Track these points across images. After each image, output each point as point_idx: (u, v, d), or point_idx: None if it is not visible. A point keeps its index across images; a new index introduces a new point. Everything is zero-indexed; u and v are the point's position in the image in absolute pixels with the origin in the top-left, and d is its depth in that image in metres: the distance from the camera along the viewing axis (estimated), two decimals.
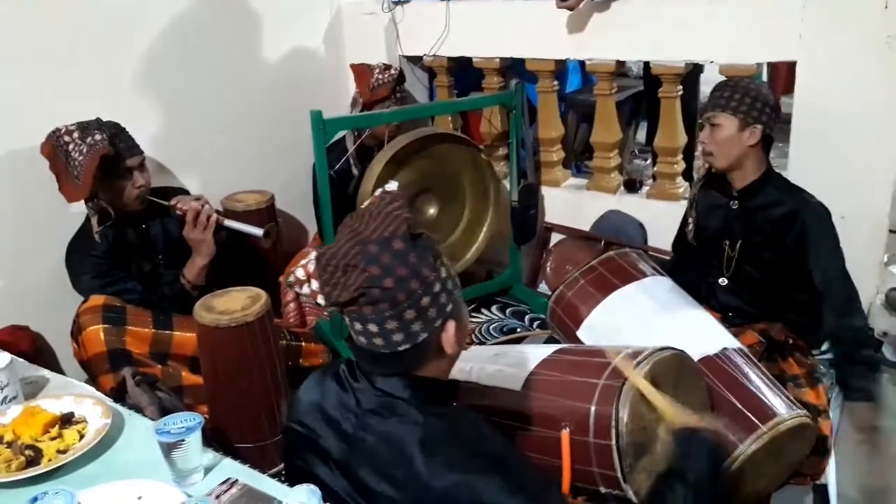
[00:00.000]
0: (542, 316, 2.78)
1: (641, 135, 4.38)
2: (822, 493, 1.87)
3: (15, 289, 2.29)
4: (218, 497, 1.20)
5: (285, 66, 3.10)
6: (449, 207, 2.87)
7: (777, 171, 2.16)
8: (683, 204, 2.53)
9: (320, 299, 1.14)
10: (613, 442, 1.47)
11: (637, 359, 1.55)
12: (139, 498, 1.21)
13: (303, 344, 2.42)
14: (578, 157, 4.06)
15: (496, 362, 1.78)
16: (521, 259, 3.08)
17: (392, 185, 1.20)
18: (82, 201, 2.15)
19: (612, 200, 3.03)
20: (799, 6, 2.32)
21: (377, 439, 1.13)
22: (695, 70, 3.03)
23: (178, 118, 2.69)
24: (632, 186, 3.06)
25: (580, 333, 2.08)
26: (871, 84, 2.26)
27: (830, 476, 1.87)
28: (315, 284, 1.14)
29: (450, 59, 3.19)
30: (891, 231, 2.45)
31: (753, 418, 1.67)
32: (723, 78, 2.30)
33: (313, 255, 1.16)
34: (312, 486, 1.10)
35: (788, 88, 2.59)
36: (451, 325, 1.14)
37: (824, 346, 2.19)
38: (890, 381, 2.44)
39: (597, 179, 3.10)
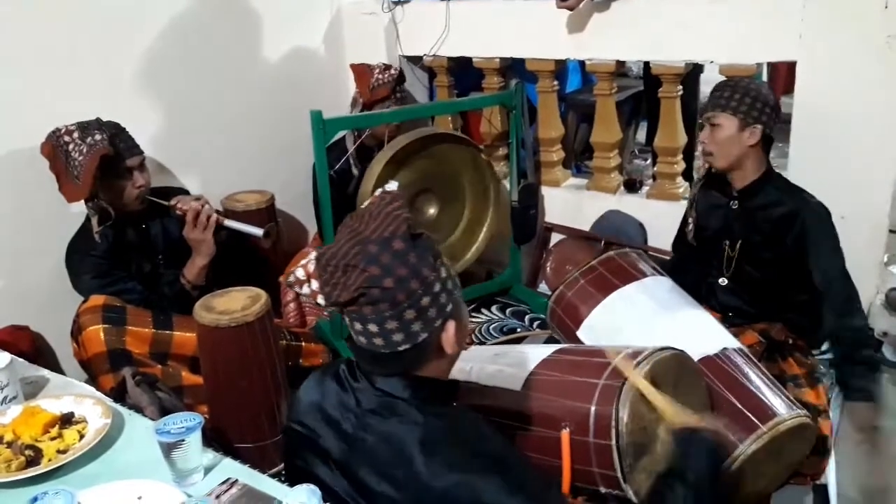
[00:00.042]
0: (542, 316, 2.78)
1: (641, 135, 4.38)
2: (822, 493, 1.87)
3: (15, 289, 2.29)
4: (218, 497, 1.20)
5: (285, 66, 3.10)
6: (449, 207, 2.87)
7: (777, 171, 2.16)
8: (683, 204, 2.53)
9: (320, 299, 1.14)
10: (613, 442, 1.47)
11: (637, 359, 1.55)
12: (139, 498, 1.21)
13: (303, 344, 2.42)
14: (578, 157, 4.06)
15: (496, 362, 1.78)
16: (521, 259, 3.08)
17: (392, 185, 1.20)
18: (82, 201, 2.15)
19: (612, 200, 3.03)
20: (799, 6, 2.32)
21: (377, 439, 1.13)
22: (695, 70, 3.03)
23: (178, 118, 2.69)
24: (632, 186, 3.06)
25: (580, 333, 2.08)
26: (871, 84, 2.26)
27: (830, 476, 1.87)
28: (315, 284, 1.14)
29: (450, 59, 3.19)
30: (891, 231, 2.45)
31: (753, 418, 1.67)
32: (723, 78, 2.30)
33: (313, 255, 1.16)
34: (312, 486, 1.10)
35: (788, 88, 2.59)
36: (451, 325, 1.14)
37: (824, 347, 2.19)
38: (890, 381, 2.44)
39: (597, 179, 3.10)
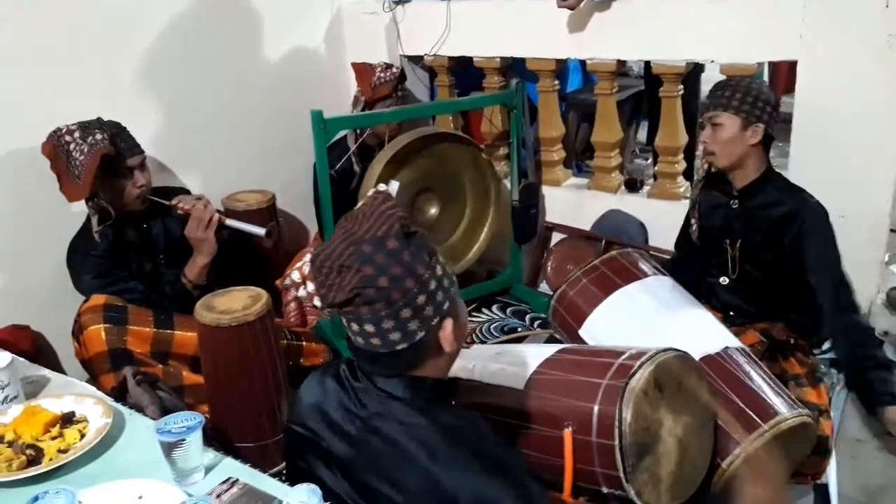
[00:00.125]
0: (543, 315, 2.79)
1: (642, 134, 4.38)
2: (822, 493, 1.87)
3: (16, 288, 2.29)
4: (219, 496, 1.20)
5: (286, 66, 3.10)
6: (450, 207, 2.87)
7: (777, 170, 2.16)
8: (684, 203, 2.53)
9: (317, 301, 1.14)
10: (616, 442, 1.47)
11: (640, 360, 1.55)
12: (140, 497, 1.21)
13: (304, 343, 2.42)
14: (579, 157, 4.06)
15: (499, 361, 1.78)
16: (522, 258, 3.08)
17: (394, 185, 1.20)
18: (83, 201, 2.15)
19: (613, 200, 3.03)
20: (799, 6, 2.32)
21: (379, 441, 1.13)
22: (695, 69, 3.03)
23: (178, 118, 2.69)
24: (633, 186, 3.06)
25: (582, 332, 2.08)
26: (871, 83, 2.26)
27: (831, 476, 1.87)
28: (311, 286, 1.14)
29: (450, 58, 3.19)
30: (891, 230, 2.45)
31: (755, 416, 1.66)
32: (723, 77, 2.30)
33: (308, 257, 1.16)
34: (313, 486, 1.10)
35: (789, 88, 2.59)
36: (448, 323, 1.14)
37: (825, 346, 2.19)
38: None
39: (598, 179, 3.10)
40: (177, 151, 2.70)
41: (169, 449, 1.23)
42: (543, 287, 3.14)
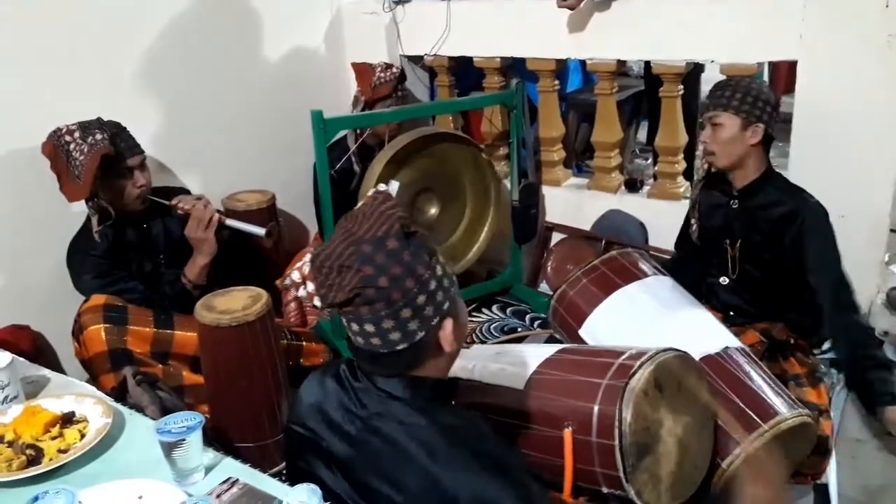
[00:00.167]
0: (543, 315, 2.78)
1: (642, 134, 4.38)
2: (822, 493, 1.87)
3: (16, 288, 2.29)
4: (218, 496, 1.20)
5: (286, 66, 3.10)
6: (450, 207, 2.87)
7: (777, 170, 2.16)
8: (684, 203, 2.53)
9: (317, 301, 1.14)
10: (616, 442, 1.46)
11: (640, 360, 1.55)
12: (140, 497, 1.21)
13: (304, 343, 2.42)
14: (579, 157, 4.06)
15: (499, 361, 1.78)
16: (522, 258, 3.08)
17: (394, 185, 1.20)
18: (83, 201, 2.15)
19: (613, 200, 3.03)
20: (799, 6, 2.32)
21: (379, 441, 1.13)
22: (695, 69, 3.03)
23: (178, 118, 2.69)
24: (633, 186, 3.06)
25: (582, 332, 2.08)
26: (871, 83, 2.26)
27: (831, 476, 1.87)
28: (311, 286, 1.14)
29: (450, 58, 3.19)
30: (891, 230, 2.45)
31: (755, 416, 1.66)
32: (723, 77, 2.30)
33: (308, 257, 1.16)
34: (313, 486, 1.10)
35: (789, 88, 2.59)
36: (448, 323, 1.14)
37: (825, 346, 2.19)
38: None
39: (597, 179, 3.10)
40: (177, 151, 2.70)
41: (169, 449, 1.23)
42: (543, 287, 3.14)
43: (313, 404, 1.23)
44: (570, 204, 3.13)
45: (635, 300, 2.05)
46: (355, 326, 1.12)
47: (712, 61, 2.65)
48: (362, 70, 2.90)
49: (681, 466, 1.56)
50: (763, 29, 2.42)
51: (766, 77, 4.28)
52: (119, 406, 1.51)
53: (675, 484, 1.56)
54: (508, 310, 2.99)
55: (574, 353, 1.77)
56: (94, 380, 2.03)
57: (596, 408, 1.52)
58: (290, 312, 2.70)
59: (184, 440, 1.23)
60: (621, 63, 2.98)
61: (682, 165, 2.92)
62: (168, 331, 2.14)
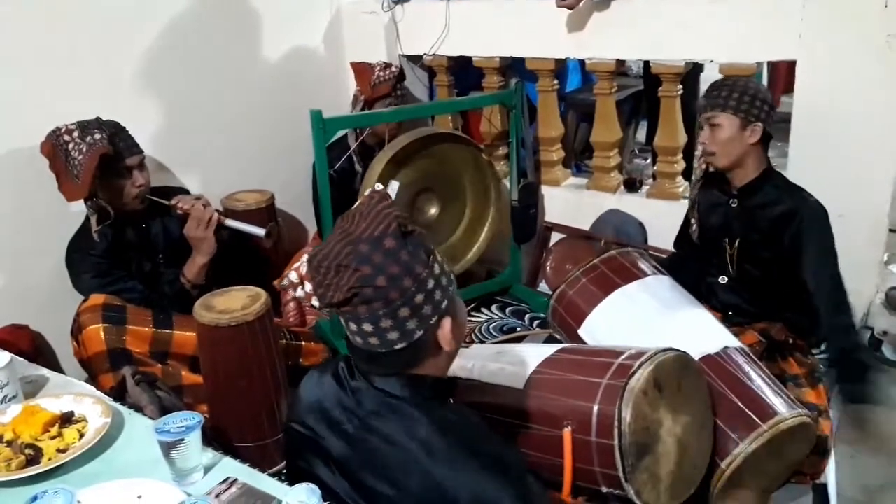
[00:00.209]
0: (542, 315, 2.78)
1: (641, 134, 4.38)
2: (821, 493, 1.87)
3: (15, 288, 2.29)
4: (218, 496, 1.20)
5: (285, 66, 3.10)
6: (450, 207, 2.87)
7: (777, 169, 2.16)
8: (683, 203, 2.53)
9: (315, 301, 1.14)
10: (616, 441, 1.47)
11: (640, 360, 1.55)
12: (139, 497, 1.21)
13: (303, 343, 2.42)
14: (578, 157, 4.06)
15: (498, 360, 1.78)
16: (521, 258, 3.08)
17: (394, 185, 1.20)
18: (82, 200, 2.15)
19: (612, 200, 3.03)
20: (799, 6, 2.32)
21: (377, 440, 1.13)
22: (695, 69, 3.02)
23: (178, 118, 2.69)
24: (632, 186, 3.06)
25: (582, 332, 2.08)
26: (870, 83, 2.26)
27: (830, 475, 1.87)
28: (308, 287, 1.14)
29: (450, 58, 3.19)
30: (890, 230, 2.45)
31: (754, 417, 1.66)
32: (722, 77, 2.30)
33: (306, 258, 1.15)
34: (312, 486, 1.10)
35: (788, 88, 2.59)
36: (446, 322, 1.13)
37: (824, 346, 2.18)
38: (890, 381, 2.43)
39: (597, 179, 3.10)
40: (176, 151, 2.70)
41: (168, 449, 1.23)
42: (543, 287, 3.14)
43: (312, 403, 1.23)
44: (570, 204, 3.13)
45: (635, 300, 2.05)
46: (353, 326, 1.12)
47: (711, 61, 2.65)
48: (361, 69, 2.90)
49: (680, 466, 1.57)
50: (762, 29, 2.42)
51: (765, 77, 4.28)
52: (118, 406, 1.51)
53: (675, 484, 1.56)
54: (508, 309, 2.99)
55: (573, 352, 1.77)
56: (92, 379, 2.03)
57: (595, 407, 1.52)
58: (289, 312, 2.71)
59: (183, 440, 1.22)
60: (620, 63, 2.98)
61: (681, 165, 2.92)
62: (167, 330, 2.14)
